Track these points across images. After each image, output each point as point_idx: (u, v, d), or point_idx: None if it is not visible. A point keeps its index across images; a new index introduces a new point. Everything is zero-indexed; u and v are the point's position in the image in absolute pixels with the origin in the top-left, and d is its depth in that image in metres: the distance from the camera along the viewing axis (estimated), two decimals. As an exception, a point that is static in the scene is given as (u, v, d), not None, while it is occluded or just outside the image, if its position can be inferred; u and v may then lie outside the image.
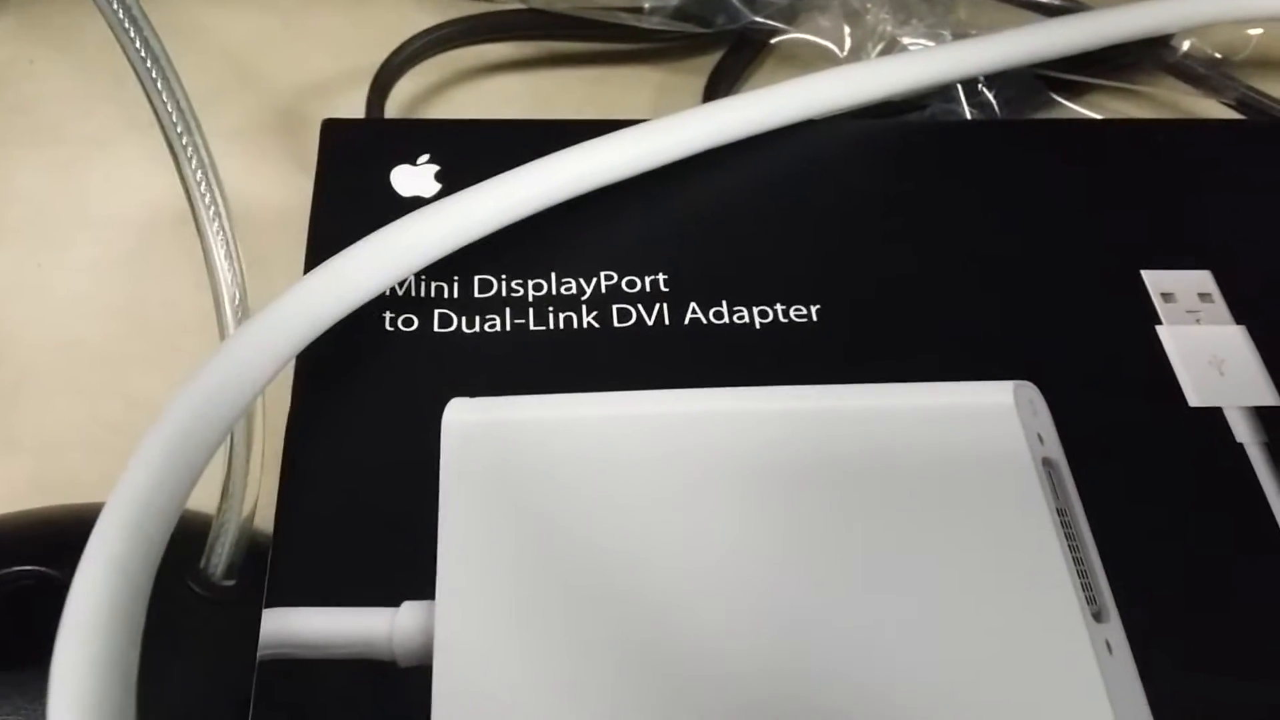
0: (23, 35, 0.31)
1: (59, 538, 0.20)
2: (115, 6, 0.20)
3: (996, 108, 0.27)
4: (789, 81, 0.23)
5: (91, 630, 0.13)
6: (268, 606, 0.17)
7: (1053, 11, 0.29)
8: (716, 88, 0.29)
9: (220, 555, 0.20)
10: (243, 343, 0.16)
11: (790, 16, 0.29)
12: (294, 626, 0.16)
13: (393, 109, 0.28)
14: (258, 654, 0.16)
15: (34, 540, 0.20)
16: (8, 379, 0.24)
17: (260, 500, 0.20)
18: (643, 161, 0.21)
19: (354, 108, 0.29)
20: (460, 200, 0.20)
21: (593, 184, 0.21)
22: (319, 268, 0.18)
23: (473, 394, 0.19)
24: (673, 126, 0.22)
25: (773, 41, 0.29)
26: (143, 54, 0.20)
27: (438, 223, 0.19)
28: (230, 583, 0.20)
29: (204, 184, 0.19)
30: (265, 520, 0.20)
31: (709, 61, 0.30)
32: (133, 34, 0.20)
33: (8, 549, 0.20)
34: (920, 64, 0.24)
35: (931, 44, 0.27)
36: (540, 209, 0.21)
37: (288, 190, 0.28)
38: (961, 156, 0.23)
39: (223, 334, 0.19)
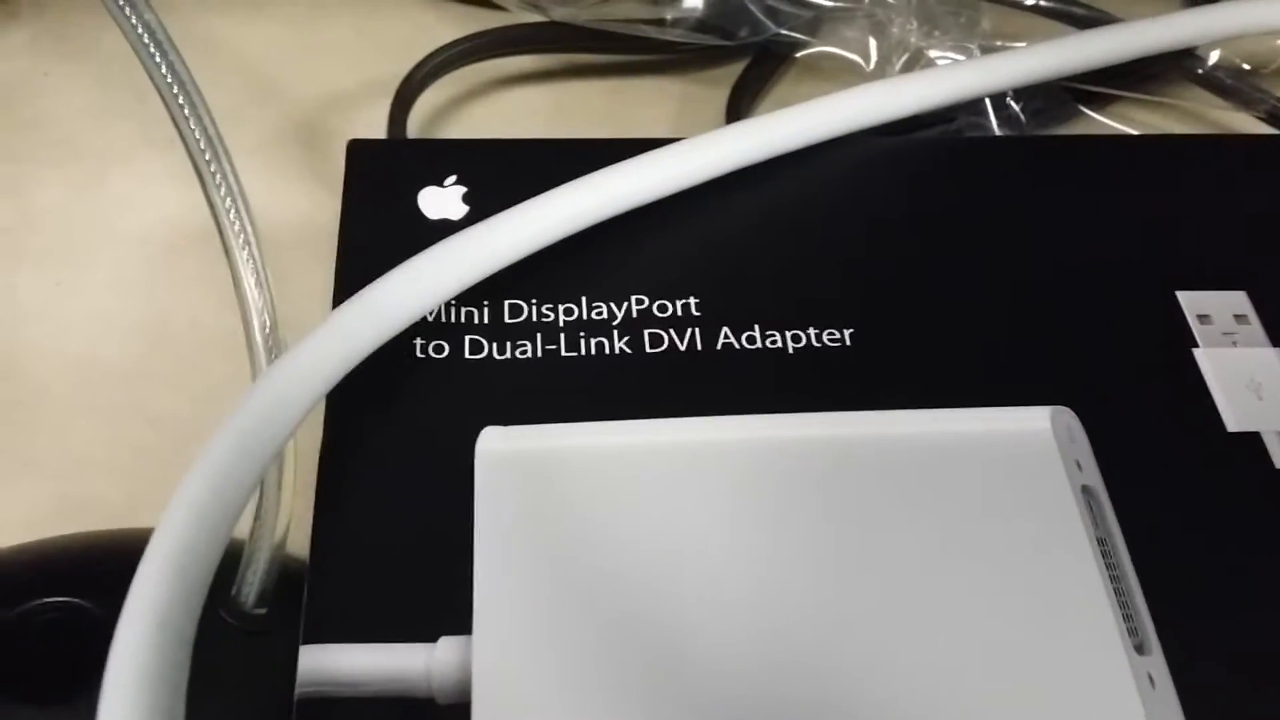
0: (38, 48, 0.31)
1: (89, 566, 0.20)
2: (141, 31, 0.20)
3: (1024, 120, 0.27)
4: (819, 99, 0.23)
5: (138, 692, 0.12)
6: (305, 643, 0.16)
7: (1079, 20, 0.29)
8: (739, 101, 0.28)
9: (252, 583, 0.19)
10: (277, 381, 0.16)
11: (814, 29, 0.28)
12: (331, 664, 0.16)
13: (413, 122, 0.28)
14: (295, 692, 0.16)
15: (63, 570, 0.20)
16: (28, 399, 0.24)
17: (292, 525, 0.20)
18: (674, 183, 0.21)
19: (374, 120, 0.29)
20: (491, 226, 0.20)
21: (624, 206, 0.21)
22: (351, 300, 0.18)
23: (506, 422, 0.19)
24: (703, 147, 0.21)
25: (796, 55, 0.29)
26: (169, 79, 0.19)
27: (469, 250, 0.19)
28: (262, 611, 0.20)
29: (233, 211, 0.19)
30: (297, 546, 0.20)
31: (730, 72, 0.30)
32: (159, 59, 0.19)
33: (36, 579, 0.20)
34: (952, 79, 0.24)
35: (958, 56, 0.27)
36: (571, 233, 0.20)
37: (310, 206, 0.27)
38: (994, 175, 0.23)
39: (253, 362, 0.19)
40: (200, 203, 0.27)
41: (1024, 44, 0.28)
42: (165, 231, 0.27)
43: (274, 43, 0.31)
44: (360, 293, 0.18)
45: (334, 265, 0.21)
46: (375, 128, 0.28)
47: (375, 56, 0.31)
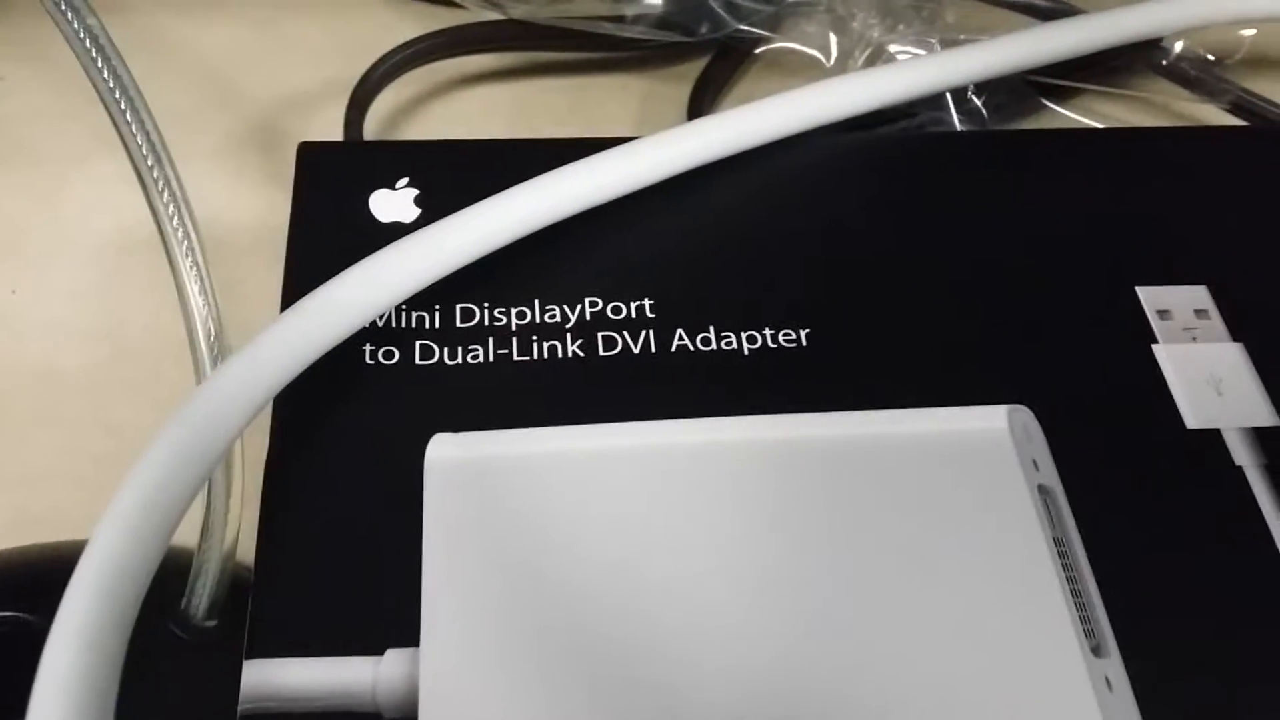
0: (-5, 51, 0.30)
1: (36, 581, 0.20)
2: (82, 35, 0.19)
3: (985, 115, 0.27)
4: (777, 96, 0.22)
5: (62, 709, 0.12)
6: (248, 658, 0.16)
7: (1041, 13, 0.29)
8: (701, 97, 0.28)
9: (201, 595, 0.19)
10: (218, 388, 0.16)
11: (775, 24, 0.28)
12: (275, 678, 0.16)
13: (372, 123, 0.28)
14: (238, 708, 0.16)
15: (9, 583, 0.20)
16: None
17: (242, 534, 0.19)
18: (628, 182, 0.21)
19: (333, 122, 0.28)
20: (441, 229, 0.19)
21: (577, 207, 0.21)
22: (297, 305, 0.18)
23: (456, 428, 0.19)
24: (658, 145, 0.21)
25: (758, 51, 0.28)
26: (110, 83, 0.19)
27: (419, 253, 0.19)
28: (212, 623, 0.19)
29: (175, 217, 0.18)
30: (247, 554, 0.20)
31: (692, 69, 0.30)
32: (100, 62, 0.19)
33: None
34: (911, 74, 0.23)
35: (919, 51, 0.27)
36: (524, 234, 0.20)
37: (266, 210, 0.27)
38: (951, 170, 0.23)
39: (198, 372, 0.18)
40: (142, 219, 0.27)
41: (986, 38, 0.28)
42: (121, 236, 0.27)
43: (234, 43, 0.31)
44: (306, 297, 0.18)
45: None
46: (334, 129, 0.28)
47: (336, 56, 0.30)
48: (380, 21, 0.31)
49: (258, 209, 0.27)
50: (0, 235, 0.27)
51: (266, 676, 0.16)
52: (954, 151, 0.23)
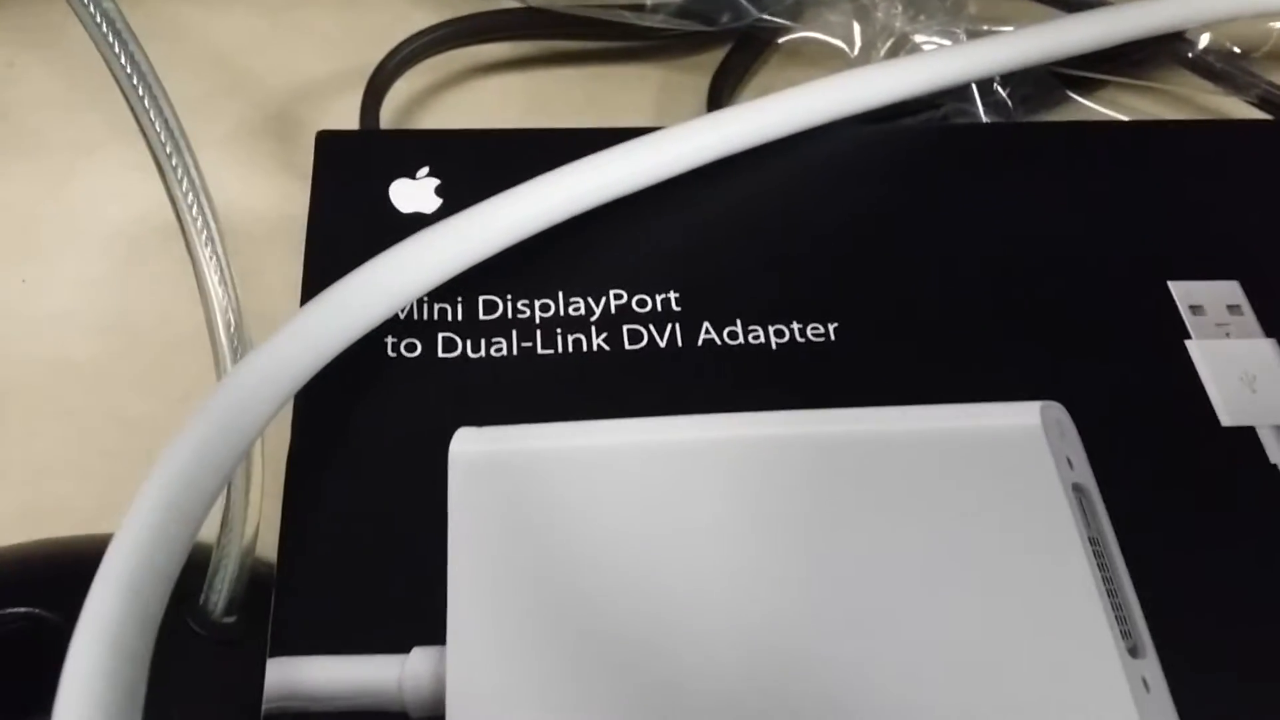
0: (1, 38, 0.30)
1: (52, 575, 0.19)
2: (99, 20, 0.19)
3: (1011, 106, 0.26)
4: (802, 86, 0.22)
5: (89, 713, 0.12)
6: (272, 655, 0.16)
7: (1064, 3, 0.28)
8: (721, 87, 0.28)
9: (220, 590, 0.19)
10: (240, 383, 0.16)
11: (796, 13, 0.28)
12: (299, 676, 0.16)
13: (388, 112, 0.28)
14: (263, 706, 0.16)
15: (25, 579, 0.19)
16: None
17: (262, 528, 0.19)
18: (653, 173, 0.21)
19: (348, 110, 0.28)
20: (465, 219, 0.19)
21: (601, 198, 0.20)
22: (318, 298, 0.17)
23: (480, 423, 0.18)
24: (683, 136, 0.21)
25: (779, 40, 0.28)
26: (128, 70, 0.19)
27: (442, 245, 0.18)
28: (231, 619, 0.19)
29: (195, 206, 0.18)
30: (266, 549, 0.19)
31: (712, 58, 0.29)
32: (117, 48, 0.19)
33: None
34: (937, 65, 0.23)
35: (944, 41, 0.27)
36: (548, 225, 0.20)
37: (282, 198, 0.27)
38: (980, 163, 0.22)
39: (218, 364, 0.18)
40: (166, 199, 0.26)
41: (1011, 28, 0.27)
42: (133, 226, 0.26)
43: (247, 30, 0.30)
44: (328, 289, 0.18)
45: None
46: (349, 118, 0.28)
47: (350, 44, 0.30)
48: (395, 10, 0.31)
49: (272, 197, 0.27)
50: (10, 224, 0.26)
51: (290, 675, 0.16)
52: (982, 144, 0.23)
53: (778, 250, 0.21)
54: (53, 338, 0.25)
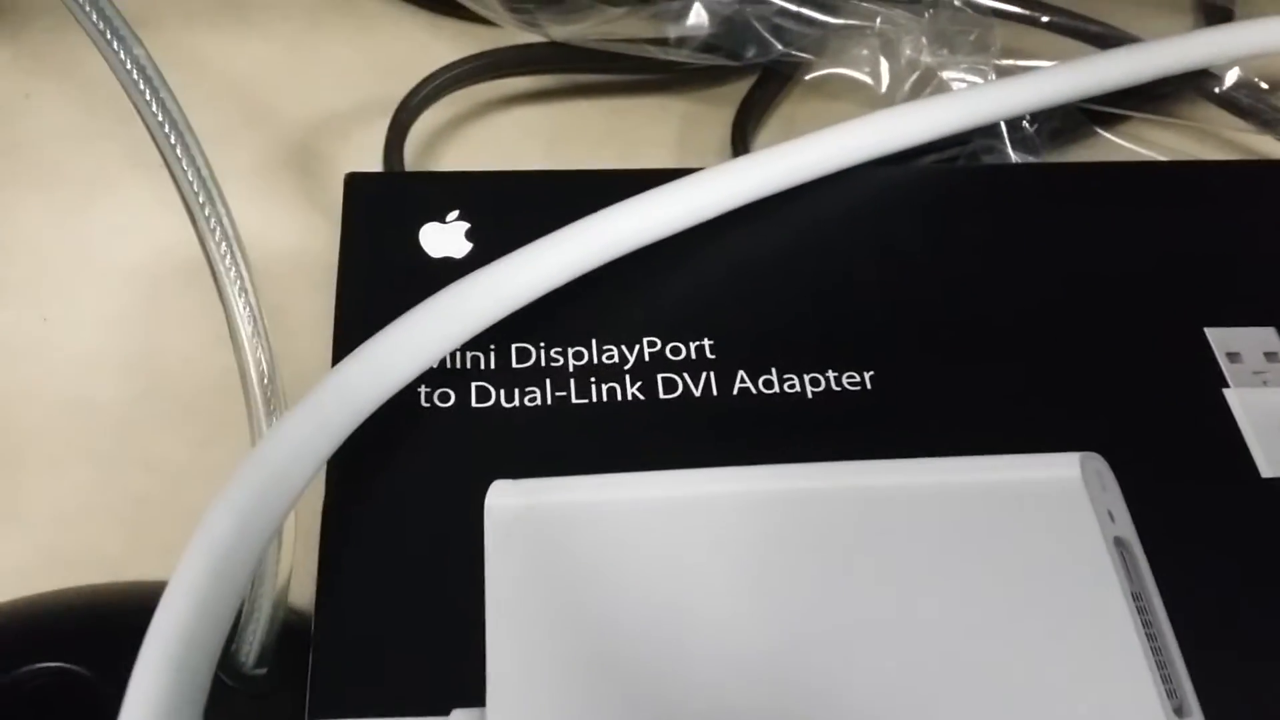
0: (18, 68, 0.30)
1: (83, 628, 0.19)
2: (130, 67, 0.19)
3: (1038, 142, 0.26)
4: (833, 128, 0.22)
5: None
6: (312, 718, 0.16)
7: (1092, 37, 0.28)
8: (745, 122, 0.28)
9: (252, 642, 0.19)
10: (278, 446, 0.15)
11: (821, 48, 0.27)
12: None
13: (410, 145, 0.27)
14: (302, 773, 0.15)
15: (55, 631, 0.19)
16: (14, 444, 0.23)
17: (293, 575, 0.19)
18: (685, 219, 0.20)
19: (369, 143, 0.28)
20: (497, 270, 0.19)
21: (634, 245, 0.20)
22: (353, 355, 0.17)
23: (515, 474, 0.18)
24: (718, 179, 0.21)
25: (807, 78, 0.28)
26: (160, 118, 0.18)
27: (476, 297, 0.18)
28: (262, 670, 0.19)
29: (228, 256, 0.18)
30: (297, 598, 0.19)
31: (735, 90, 0.29)
32: (148, 95, 0.19)
33: (27, 642, 0.19)
34: (969, 105, 0.23)
35: (970, 76, 0.26)
36: (584, 273, 0.20)
37: (305, 233, 0.27)
38: (1014, 206, 0.22)
39: (251, 418, 0.18)
40: (190, 231, 0.26)
41: (1037, 62, 0.27)
42: (154, 262, 0.26)
43: (266, 61, 0.30)
44: (362, 346, 0.17)
45: (333, 300, 0.20)
46: (370, 150, 0.27)
47: (370, 76, 0.30)
48: (414, 41, 0.31)
49: (295, 232, 0.26)
50: (29, 259, 0.26)
51: (330, 739, 0.16)
52: (1016, 186, 0.23)
53: (812, 295, 0.21)
54: (74, 378, 0.24)
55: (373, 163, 0.27)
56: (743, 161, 0.21)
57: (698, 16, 0.28)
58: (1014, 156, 0.26)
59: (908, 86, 0.27)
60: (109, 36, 0.19)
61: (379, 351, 0.17)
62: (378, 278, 0.20)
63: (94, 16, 0.19)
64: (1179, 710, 0.17)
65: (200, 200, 0.18)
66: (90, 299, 0.26)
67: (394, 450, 0.18)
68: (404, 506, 0.18)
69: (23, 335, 0.25)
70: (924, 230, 0.22)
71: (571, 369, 0.19)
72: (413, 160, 0.28)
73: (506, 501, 0.18)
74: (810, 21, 0.28)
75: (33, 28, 0.30)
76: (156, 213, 0.27)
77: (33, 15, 0.31)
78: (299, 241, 0.26)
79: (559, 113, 0.29)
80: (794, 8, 0.28)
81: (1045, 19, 0.28)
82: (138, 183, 0.27)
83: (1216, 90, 0.27)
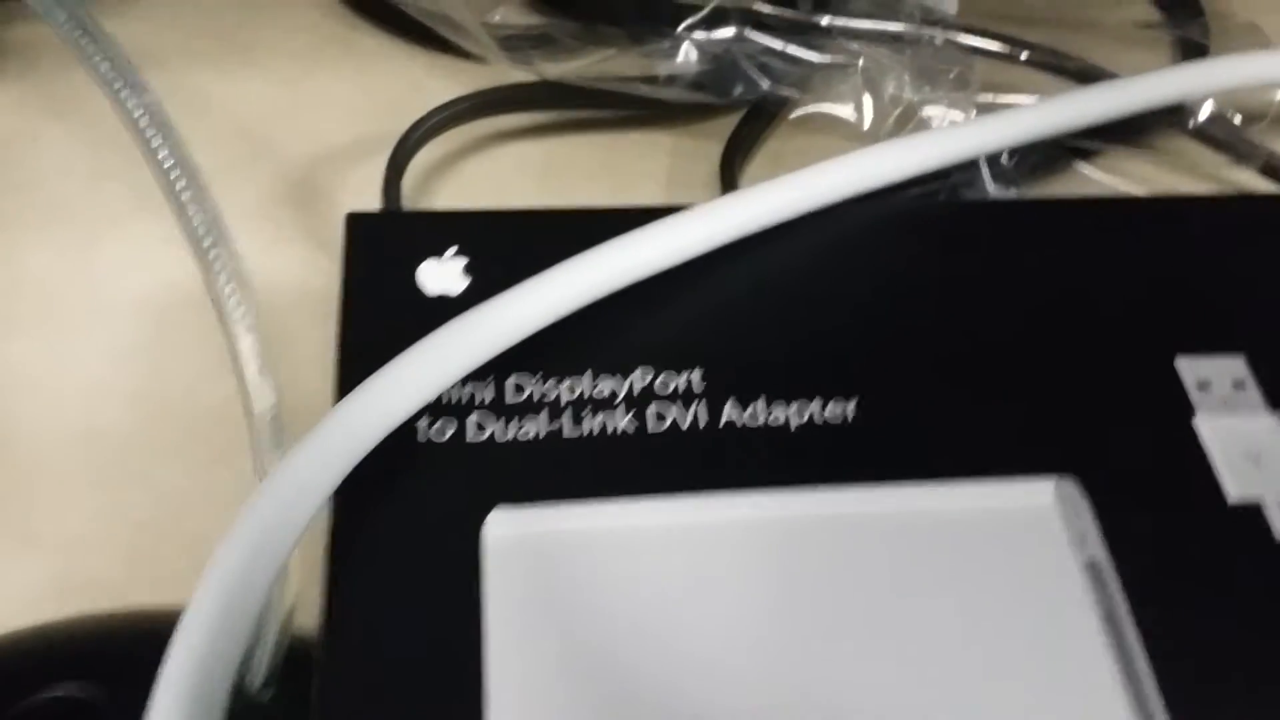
0: (25, 108, 0.30)
1: (91, 654, 0.20)
2: (141, 115, 0.19)
3: (1017, 176, 0.27)
4: (820, 165, 0.23)
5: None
6: (316, 740, 0.16)
7: (1068, 73, 0.29)
8: (733, 157, 0.28)
9: (259, 665, 0.19)
10: (287, 480, 0.16)
11: (806, 85, 0.28)
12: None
13: (408, 179, 0.28)
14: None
15: (63, 657, 0.20)
16: (23, 473, 0.24)
17: (297, 601, 0.20)
18: (679, 253, 0.21)
19: (367, 179, 0.29)
20: (495, 306, 0.20)
21: (627, 280, 0.21)
22: (357, 392, 0.18)
23: (512, 503, 0.19)
24: (707, 216, 0.21)
25: (793, 116, 0.29)
26: (167, 163, 0.19)
27: (475, 333, 0.19)
28: (269, 694, 0.19)
29: (234, 298, 0.19)
30: (300, 623, 0.20)
31: (721, 125, 0.30)
32: (156, 141, 0.19)
33: (37, 668, 0.19)
34: (952, 142, 0.24)
35: (951, 111, 0.27)
36: (576, 309, 0.20)
37: (303, 267, 0.27)
38: (990, 239, 0.23)
39: (256, 449, 0.19)
40: (193, 266, 0.27)
41: (1017, 97, 0.28)
42: (159, 297, 0.27)
43: (266, 100, 0.31)
44: (364, 384, 0.18)
45: (335, 337, 0.21)
46: (369, 185, 0.28)
47: (367, 113, 0.31)
48: (410, 79, 0.31)
49: (295, 266, 0.27)
50: (38, 296, 0.27)
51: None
52: (995, 220, 0.24)
53: (798, 326, 0.21)
54: (82, 409, 0.25)
55: (372, 197, 0.28)
56: (730, 199, 0.22)
57: (687, 55, 0.29)
58: (993, 189, 0.27)
59: (890, 122, 0.28)
60: (118, 85, 0.20)
61: (380, 388, 0.18)
62: (377, 314, 0.21)
63: (102, 65, 0.20)
64: (1149, 727, 0.17)
65: (206, 243, 0.19)
66: (96, 332, 0.26)
67: (394, 484, 0.19)
68: (406, 535, 0.18)
69: (31, 367, 0.26)
70: (906, 264, 0.23)
71: (564, 401, 0.20)
72: (410, 194, 0.28)
73: (504, 530, 0.19)
74: (795, 60, 0.29)
75: (39, 68, 0.31)
76: (158, 249, 0.28)
77: (38, 55, 0.31)
78: (301, 275, 0.27)
79: (552, 148, 0.30)
80: (780, 47, 0.29)
81: (1024, 56, 0.29)
82: (143, 220, 0.28)
83: (1191, 124, 0.28)
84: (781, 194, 0.22)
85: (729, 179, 0.28)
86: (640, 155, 0.30)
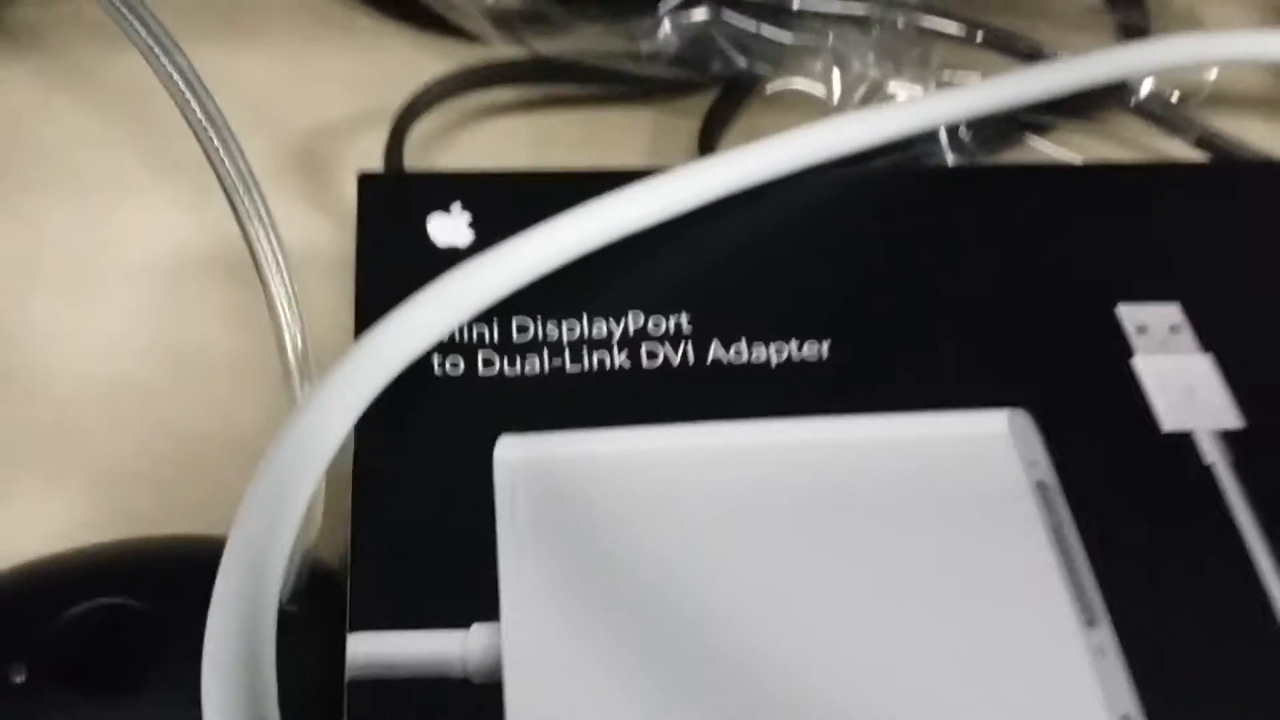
0: (35, 82, 0.32)
1: (137, 568, 0.21)
2: (173, 73, 0.21)
3: (974, 147, 0.29)
4: (796, 130, 0.25)
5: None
6: (351, 630, 0.18)
7: (1018, 54, 0.31)
8: (711, 130, 0.30)
9: (286, 581, 0.21)
10: (320, 403, 0.18)
11: (779, 61, 0.30)
12: (376, 649, 0.18)
13: (405, 149, 0.30)
14: (346, 675, 0.18)
15: (107, 572, 0.21)
16: (50, 415, 0.26)
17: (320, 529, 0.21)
18: (666, 210, 0.23)
19: (367, 148, 0.30)
20: (505, 250, 0.22)
21: (622, 233, 0.23)
22: (379, 325, 0.20)
23: (519, 431, 0.21)
24: (693, 175, 0.24)
25: (767, 92, 0.31)
26: (202, 119, 0.21)
27: (482, 276, 0.21)
28: (294, 608, 0.21)
29: (265, 240, 0.21)
30: (326, 544, 0.22)
31: (699, 101, 0.32)
32: (194, 103, 0.21)
33: (83, 580, 0.21)
34: (914, 113, 0.26)
35: (914, 88, 0.29)
36: (577, 257, 0.22)
37: (311, 230, 0.29)
38: (949, 201, 0.25)
39: (288, 380, 0.20)
40: (205, 228, 0.29)
41: (974, 74, 0.30)
42: (173, 258, 0.29)
43: (269, 74, 0.33)
44: (385, 319, 0.20)
45: (340, 288, 0.23)
46: (368, 155, 0.30)
47: (364, 88, 0.32)
48: (403, 56, 0.33)
49: (301, 229, 0.29)
50: (60, 256, 0.28)
51: (369, 647, 0.18)
52: (953, 184, 0.26)
53: (776, 277, 0.24)
54: (106, 359, 0.27)
55: (372, 164, 0.30)
56: (716, 159, 0.24)
57: (666, 33, 0.31)
58: (951, 159, 0.29)
59: (857, 97, 0.30)
60: (155, 47, 0.22)
61: (398, 324, 0.20)
62: (391, 263, 0.23)
63: (141, 30, 0.22)
64: (1090, 622, 0.20)
65: (240, 191, 0.21)
66: (116, 294, 0.28)
67: (413, 412, 0.21)
68: (423, 458, 0.20)
69: (54, 323, 0.27)
70: (873, 223, 0.25)
71: (565, 341, 0.22)
72: (408, 162, 0.30)
73: (512, 453, 0.21)
74: (769, 40, 0.31)
75: (45, 45, 0.33)
76: (170, 213, 0.29)
77: (44, 33, 0.33)
78: (307, 237, 0.29)
79: (540, 120, 0.32)
80: (754, 28, 0.31)
81: (979, 37, 0.31)
82: (154, 188, 0.30)
83: (1132, 101, 0.31)
84: (760, 157, 0.24)
85: (707, 151, 0.30)
86: (623, 128, 0.32)
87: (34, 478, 0.25)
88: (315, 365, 0.21)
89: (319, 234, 0.29)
